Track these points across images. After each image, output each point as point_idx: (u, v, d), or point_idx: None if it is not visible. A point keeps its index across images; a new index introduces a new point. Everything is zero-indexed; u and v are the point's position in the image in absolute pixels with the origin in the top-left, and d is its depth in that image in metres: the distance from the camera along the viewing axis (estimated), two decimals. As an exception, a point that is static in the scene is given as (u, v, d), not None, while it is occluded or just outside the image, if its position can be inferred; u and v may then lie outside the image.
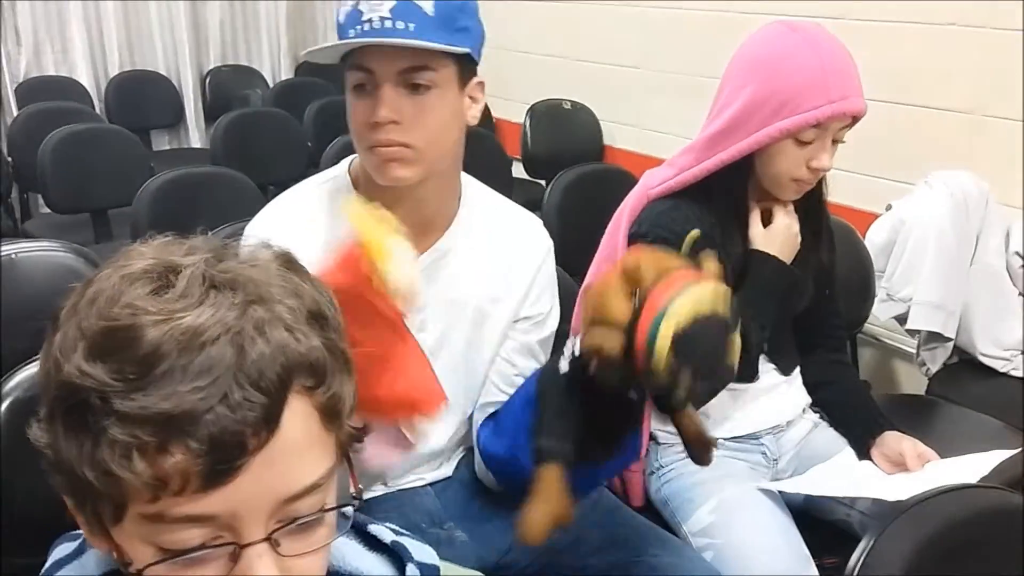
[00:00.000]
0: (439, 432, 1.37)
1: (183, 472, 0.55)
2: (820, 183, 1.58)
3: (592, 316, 0.93)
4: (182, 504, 0.56)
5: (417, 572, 0.75)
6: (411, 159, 1.21)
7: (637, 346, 0.88)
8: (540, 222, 1.46)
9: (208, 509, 0.56)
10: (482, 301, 1.35)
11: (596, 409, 1.01)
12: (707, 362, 0.89)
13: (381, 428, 1.01)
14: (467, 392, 1.39)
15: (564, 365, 1.05)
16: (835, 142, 1.47)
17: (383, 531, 0.79)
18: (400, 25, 1.16)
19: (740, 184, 1.53)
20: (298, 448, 0.59)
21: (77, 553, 0.71)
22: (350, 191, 1.30)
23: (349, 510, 0.66)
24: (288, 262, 0.64)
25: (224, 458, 0.55)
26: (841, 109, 1.40)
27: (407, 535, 0.80)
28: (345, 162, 1.36)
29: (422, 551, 0.79)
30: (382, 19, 1.16)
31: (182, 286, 0.58)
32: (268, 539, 0.58)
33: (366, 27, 1.16)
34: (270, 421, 0.56)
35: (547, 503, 1.02)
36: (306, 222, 1.26)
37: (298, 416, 0.58)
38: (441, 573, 0.79)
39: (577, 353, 1.02)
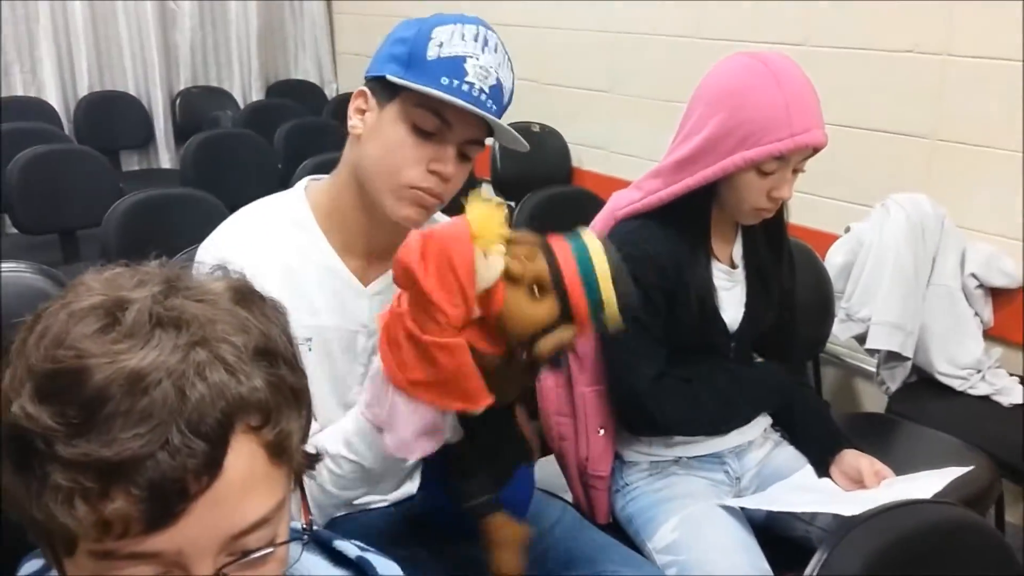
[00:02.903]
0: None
1: (124, 517, 0.55)
2: (781, 210, 1.62)
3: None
4: (128, 544, 0.56)
5: None
6: (432, 208, 1.27)
7: (568, 267, 0.95)
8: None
9: (154, 548, 0.57)
10: None
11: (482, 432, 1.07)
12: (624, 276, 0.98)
13: (419, 415, 1.02)
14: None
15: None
16: (795, 172, 1.51)
17: (348, 547, 0.80)
18: (490, 104, 1.21)
19: (704, 209, 1.57)
20: (243, 487, 0.59)
21: (44, 570, 0.72)
22: (309, 218, 1.31)
23: (307, 537, 0.67)
24: (240, 293, 0.64)
25: (165, 503, 0.55)
26: (803, 142, 1.44)
27: (372, 551, 0.82)
28: (299, 188, 1.35)
29: (387, 566, 0.80)
30: (481, 90, 1.19)
31: (128, 324, 0.58)
32: (217, 575, 0.59)
33: (465, 88, 1.18)
34: (212, 465, 0.57)
35: (509, 545, 1.09)
36: (262, 246, 1.26)
37: (243, 456, 0.59)
38: None
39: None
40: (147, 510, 0.55)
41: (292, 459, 0.64)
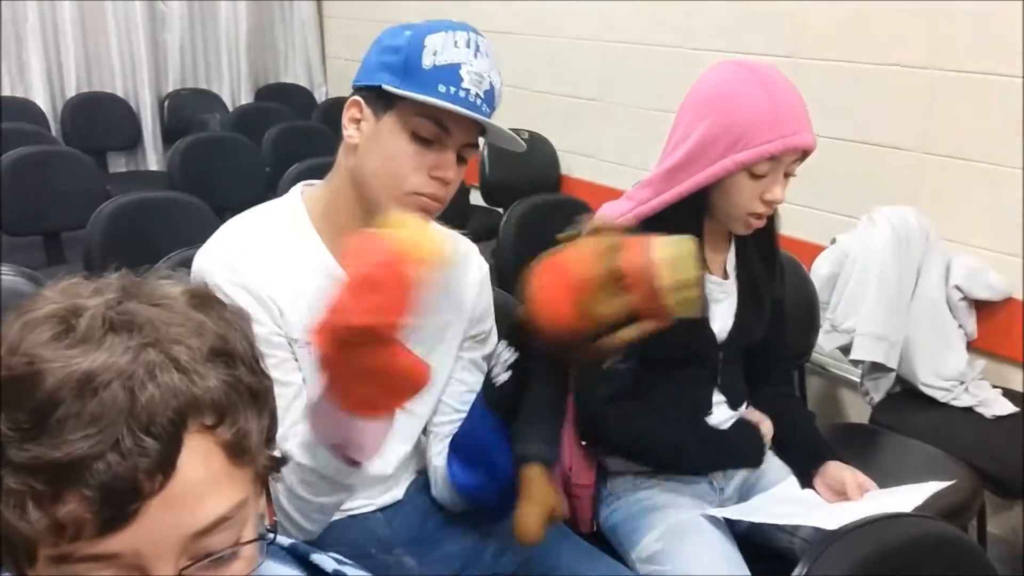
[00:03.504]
0: (389, 456, 1.38)
1: (77, 520, 0.55)
2: (773, 220, 1.62)
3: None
4: (84, 546, 0.56)
5: None
6: (434, 212, 1.29)
7: (650, 266, 1.01)
8: (475, 246, 1.50)
9: (110, 549, 0.56)
10: (433, 324, 1.38)
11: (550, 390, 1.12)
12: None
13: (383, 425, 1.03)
14: (423, 417, 1.41)
15: (503, 375, 1.15)
16: (787, 175, 1.52)
17: (325, 560, 0.80)
18: (485, 108, 1.24)
19: (696, 217, 1.57)
20: (200, 486, 0.59)
21: None
22: (305, 222, 1.32)
23: (271, 536, 0.66)
24: (197, 297, 0.65)
25: (118, 504, 0.55)
26: (793, 143, 1.45)
27: (349, 564, 0.81)
28: (295, 192, 1.36)
29: None
30: (476, 95, 1.23)
31: (82, 330, 0.58)
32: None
33: (461, 94, 1.21)
34: (165, 465, 0.57)
35: (538, 502, 1.11)
36: (260, 251, 1.27)
37: (198, 455, 0.59)
38: None
39: (509, 360, 1.13)
40: (100, 511, 0.55)
41: (254, 459, 0.64)
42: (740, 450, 1.66)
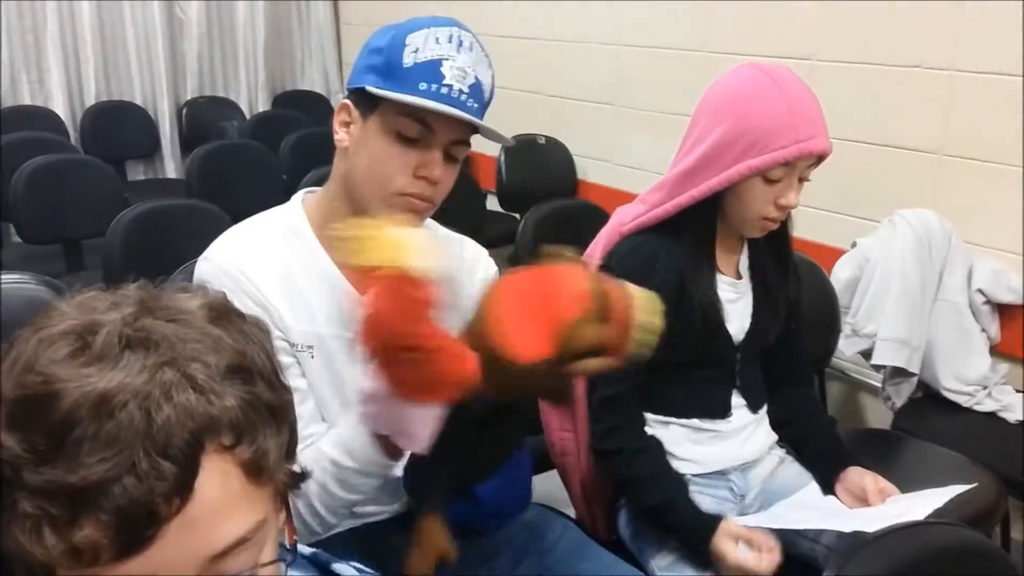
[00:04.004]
0: (402, 461, 1.38)
1: (94, 544, 0.54)
2: (786, 221, 1.61)
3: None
4: (101, 571, 0.55)
5: None
6: (425, 213, 1.29)
7: (627, 303, 1.03)
8: (483, 249, 1.50)
9: (128, 573, 0.55)
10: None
11: (476, 434, 1.10)
12: None
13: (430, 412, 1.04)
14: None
15: None
16: (801, 180, 1.51)
17: (346, 569, 0.79)
18: (471, 104, 1.22)
19: (710, 220, 1.56)
20: (218, 508, 0.58)
21: None
22: (306, 228, 1.32)
23: (290, 557, 0.65)
24: (216, 311, 0.63)
25: (135, 529, 0.54)
26: (808, 148, 1.44)
27: (370, 573, 0.81)
28: (296, 199, 1.36)
29: None
30: (460, 91, 1.21)
31: (98, 347, 0.57)
32: None
33: (443, 91, 1.20)
34: (182, 488, 0.55)
35: (427, 552, 1.13)
36: (261, 257, 1.27)
37: (216, 476, 0.57)
38: None
39: None
40: (117, 536, 0.54)
41: (273, 477, 0.62)
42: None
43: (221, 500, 0.58)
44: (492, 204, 3.90)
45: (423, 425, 1.04)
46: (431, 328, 0.96)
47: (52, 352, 0.57)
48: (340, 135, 1.29)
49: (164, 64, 4.97)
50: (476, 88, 1.23)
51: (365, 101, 1.25)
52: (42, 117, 4.50)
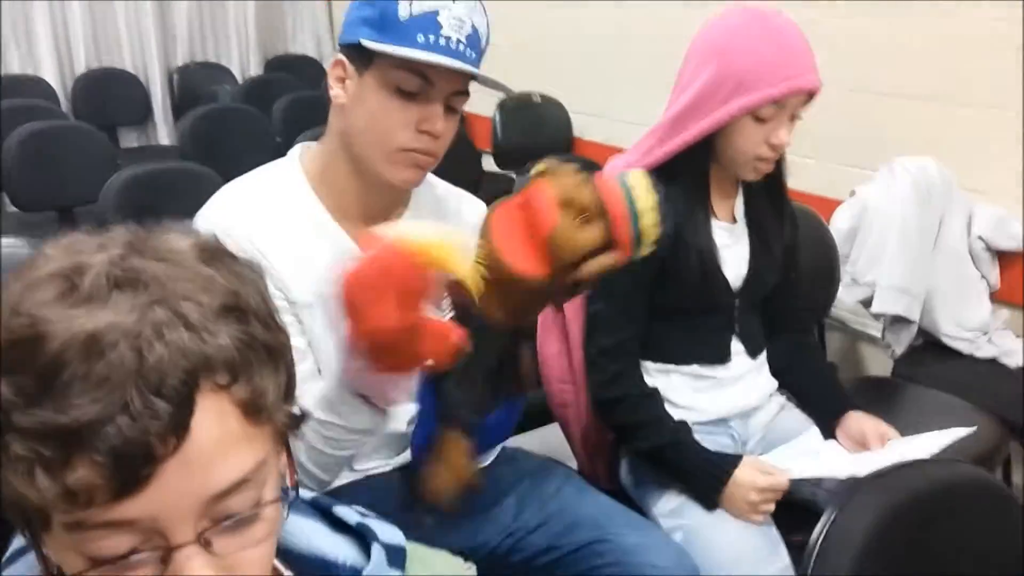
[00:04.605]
0: (404, 415, 1.37)
1: (88, 486, 0.53)
2: (780, 162, 1.60)
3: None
4: (97, 513, 0.54)
5: (382, 552, 0.75)
6: (428, 168, 1.27)
7: (614, 197, 1.00)
8: (482, 203, 1.48)
9: (126, 515, 0.55)
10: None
11: (491, 358, 1.08)
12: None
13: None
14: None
15: None
16: (792, 119, 1.50)
17: (349, 512, 0.79)
18: (469, 53, 1.20)
19: (703, 163, 1.55)
20: (216, 448, 0.57)
21: (28, 548, 0.70)
22: (304, 183, 1.30)
23: (292, 495, 0.64)
24: (207, 251, 0.62)
25: (130, 469, 0.53)
26: (797, 85, 1.44)
27: (374, 516, 0.80)
28: (293, 155, 1.34)
29: (389, 532, 0.78)
30: (458, 41, 1.18)
31: (86, 288, 0.55)
32: (198, 540, 0.57)
33: (441, 42, 1.17)
34: (178, 427, 0.54)
35: (451, 468, 1.09)
36: (260, 213, 1.25)
37: (212, 415, 0.56)
38: (409, 554, 0.79)
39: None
40: (112, 477, 0.53)
41: (272, 417, 0.61)
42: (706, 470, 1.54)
43: (219, 439, 0.57)
44: (488, 164, 3.87)
45: (399, 388, 1.04)
46: (418, 314, 0.95)
47: (39, 295, 0.56)
48: (336, 91, 1.27)
49: (154, 30, 4.90)
50: (474, 37, 1.21)
51: (360, 56, 1.22)
52: (33, 86, 4.45)
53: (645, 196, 1.01)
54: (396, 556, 0.76)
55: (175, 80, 4.98)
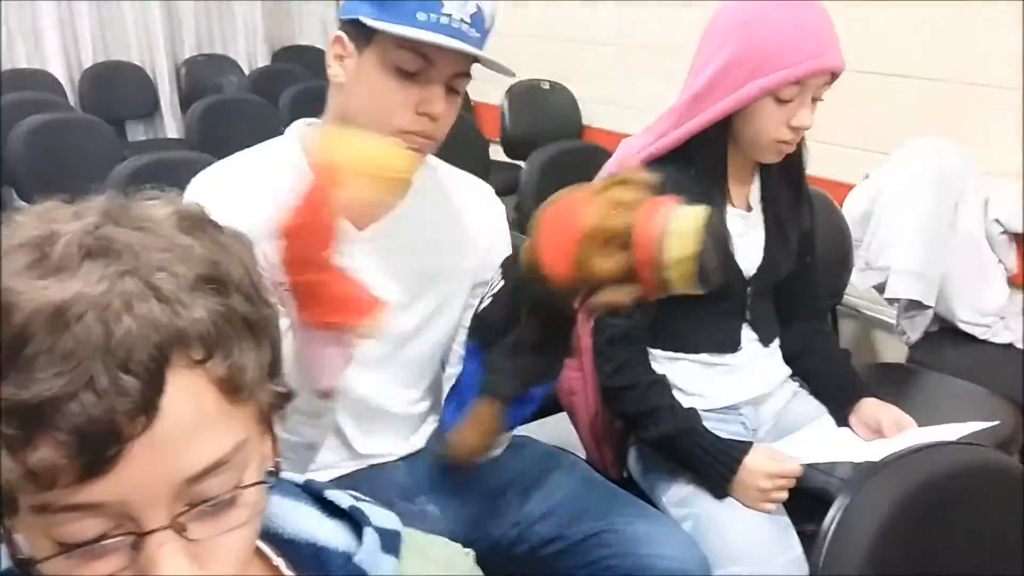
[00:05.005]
0: (404, 399, 1.35)
1: (52, 467, 0.50)
2: (800, 148, 1.56)
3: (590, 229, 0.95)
4: (63, 495, 0.51)
5: (375, 536, 0.72)
6: (428, 150, 1.24)
7: (646, 236, 0.92)
8: (489, 186, 1.45)
9: (93, 498, 0.52)
10: (443, 268, 1.33)
11: (535, 331, 1.05)
12: (717, 249, 0.96)
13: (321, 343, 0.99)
14: (432, 359, 1.37)
15: (486, 301, 1.08)
16: (814, 100, 1.45)
17: (341, 496, 0.76)
18: (472, 33, 1.17)
19: (721, 146, 1.51)
20: (190, 427, 0.54)
21: None
22: (302, 160, 1.26)
23: (273, 480, 0.61)
24: (188, 219, 0.59)
25: (95, 449, 0.50)
26: (820, 65, 1.39)
27: (369, 501, 0.77)
28: (291, 132, 1.31)
29: (382, 516, 0.76)
30: (461, 20, 1.15)
31: (56, 257, 0.53)
32: (172, 525, 0.54)
33: (444, 20, 1.14)
34: (147, 405, 0.51)
35: (480, 431, 1.06)
36: (249, 187, 1.22)
37: (186, 393, 0.53)
38: (405, 539, 0.76)
39: (496, 288, 1.07)
40: (76, 457, 0.50)
41: (253, 395, 0.58)
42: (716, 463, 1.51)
43: (193, 419, 0.54)
44: (496, 153, 3.84)
45: (329, 365, 1.01)
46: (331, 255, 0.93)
47: (8, 264, 0.53)
48: (335, 69, 1.24)
49: (161, 23, 4.90)
50: (478, 16, 1.17)
51: (360, 33, 1.19)
52: (40, 80, 4.44)
53: (682, 246, 0.93)
54: (390, 540, 0.73)
55: (182, 73, 4.97)
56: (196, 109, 3.70)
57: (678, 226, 0.93)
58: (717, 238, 0.96)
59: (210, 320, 0.54)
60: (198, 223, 0.59)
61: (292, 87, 4.10)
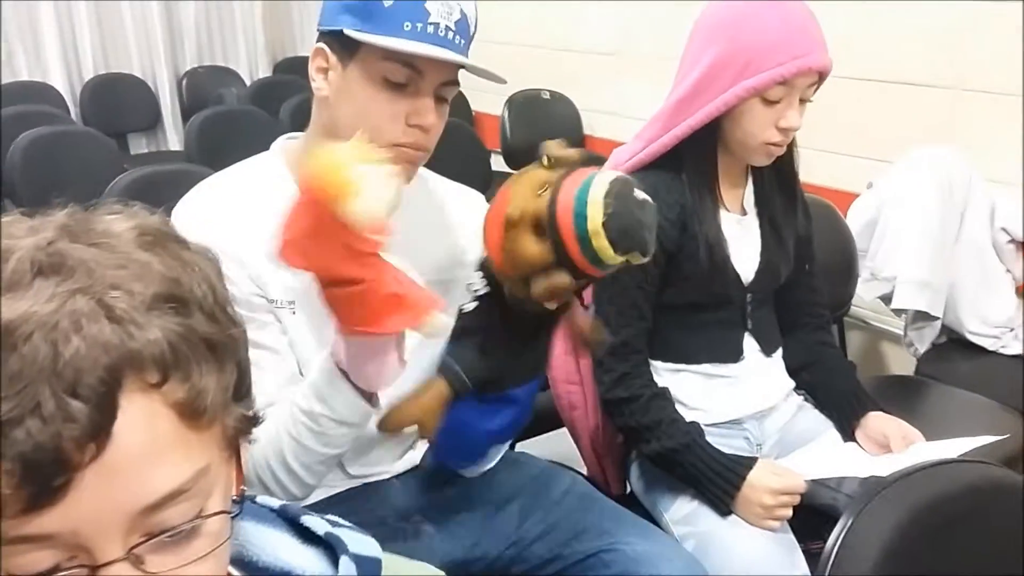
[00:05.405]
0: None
1: None
2: (791, 150, 1.53)
3: (508, 215, 0.94)
4: (11, 526, 0.49)
5: (352, 565, 0.69)
6: (419, 162, 1.22)
7: (562, 212, 0.91)
8: (482, 196, 1.43)
9: (43, 529, 0.49)
10: (436, 280, 1.31)
11: (510, 336, 1.04)
12: (635, 215, 0.93)
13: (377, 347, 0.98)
14: (427, 375, 1.34)
15: (468, 304, 1.08)
16: (803, 101, 1.43)
17: (317, 522, 0.73)
18: (458, 41, 1.14)
19: (710, 150, 1.49)
20: (145, 454, 0.51)
21: None
22: (286, 176, 1.23)
23: (236, 511, 0.59)
24: (150, 234, 0.56)
25: (42, 478, 0.48)
26: (807, 64, 1.37)
27: (347, 526, 0.74)
28: (276, 147, 1.29)
29: (361, 543, 0.72)
30: (447, 28, 1.13)
31: (7, 275, 0.50)
32: (128, 557, 0.51)
33: (430, 29, 1.11)
34: (97, 431, 0.49)
35: (421, 409, 1.04)
36: (239, 210, 1.20)
37: (140, 418, 0.51)
38: (385, 566, 0.73)
39: (478, 290, 1.06)
40: (21, 486, 0.47)
41: (217, 420, 0.55)
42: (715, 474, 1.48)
43: (148, 445, 0.51)
44: (497, 164, 3.82)
45: (380, 364, 0.99)
46: (362, 261, 0.90)
47: None
48: (318, 83, 1.20)
49: (161, 34, 4.88)
50: (463, 23, 1.15)
51: (343, 45, 1.16)
52: (40, 92, 4.42)
53: (594, 213, 0.91)
54: (369, 568, 0.70)
55: (184, 84, 4.95)
56: (195, 121, 3.67)
57: (589, 195, 0.91)
58: (626, 199, 0.93)
59: (167, 341, 0.52)
60: (160, 239, 0.57)
61: (293, 98, 4.07)
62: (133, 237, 0.55)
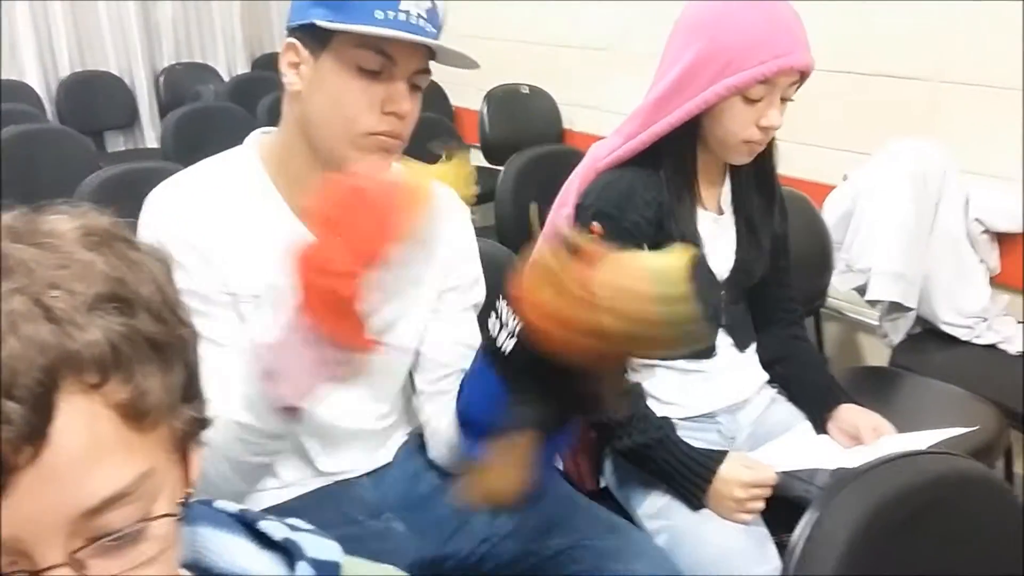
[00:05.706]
0: (369, 413, 1.31)
1: None
2: (771, 149, 1.53)
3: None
4: None
5: (310, 569, 0.69)
6: (396, 151, 1.21)
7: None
8: (452, 191, 1.42)
9: None
10: (404, 278, 1.30)
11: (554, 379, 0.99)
12: (712, 293, 0.94)
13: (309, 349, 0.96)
14: (396, 372, 1.33)
15: (508, 343, 1.02)
16: (784, 100, 1.43)
17: (275, 527, 0.72)
18: (429, 28, 1.15)
19: (689, 148, 1.48)
20: (84, 456, 0.50)
21: None
22: (260, 171, 1.24)
23: (180, 513, 0.58)
24: (96, 234, 0.56)
25: None
26: (788, 63, 1.37)
27: (307, 530, 0.74)
28: (250, 142, 1.28)
29: (320, 546, 0.72)
30: (418, 15, 1.13)
31: None
32: (69, 562, 0.51)
33: (401, 17, 1.12)
34: (33, 433, 0.48)
35: (513, 469, 1.01)
36: (208, 205, 1.19)
37: (80, 420, 0.50)
38: (347, 570, 0.72)
39: (513, 328, 1.01)
40: None
41: (161, 421, 0.55)
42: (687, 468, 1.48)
43: (88, 447, 0.50)
44: (476, 158, 3.81)
45: (308, 375, 0.98)
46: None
47: None
48: (289, 77, 1.19)
49: (138, 31, 4.84)
50: (433, 12, 1.15)
51: (314, 38, 1.16)
52: (15, 91, 4.36)
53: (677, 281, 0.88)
54: (327, 571, 0.70)
55: (161, 81, 4.91)
56: (171, 119, 3.64)
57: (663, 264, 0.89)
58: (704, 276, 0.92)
59: (108, 341, 0.51)
60: (106, 239, 0.56)
61: (271, 95, 4.04)
62: (77, 237, 0.55)
